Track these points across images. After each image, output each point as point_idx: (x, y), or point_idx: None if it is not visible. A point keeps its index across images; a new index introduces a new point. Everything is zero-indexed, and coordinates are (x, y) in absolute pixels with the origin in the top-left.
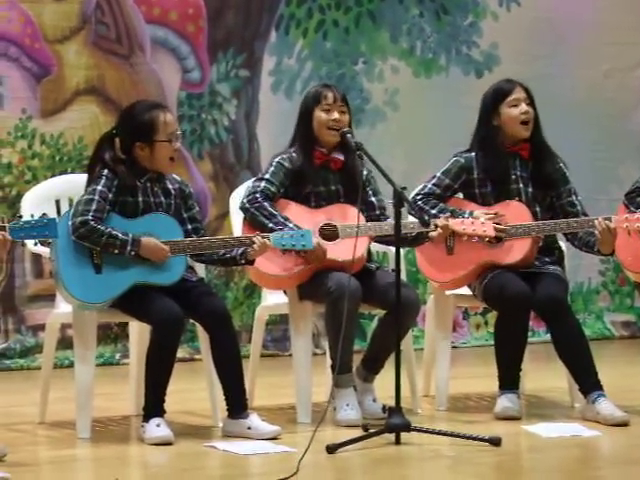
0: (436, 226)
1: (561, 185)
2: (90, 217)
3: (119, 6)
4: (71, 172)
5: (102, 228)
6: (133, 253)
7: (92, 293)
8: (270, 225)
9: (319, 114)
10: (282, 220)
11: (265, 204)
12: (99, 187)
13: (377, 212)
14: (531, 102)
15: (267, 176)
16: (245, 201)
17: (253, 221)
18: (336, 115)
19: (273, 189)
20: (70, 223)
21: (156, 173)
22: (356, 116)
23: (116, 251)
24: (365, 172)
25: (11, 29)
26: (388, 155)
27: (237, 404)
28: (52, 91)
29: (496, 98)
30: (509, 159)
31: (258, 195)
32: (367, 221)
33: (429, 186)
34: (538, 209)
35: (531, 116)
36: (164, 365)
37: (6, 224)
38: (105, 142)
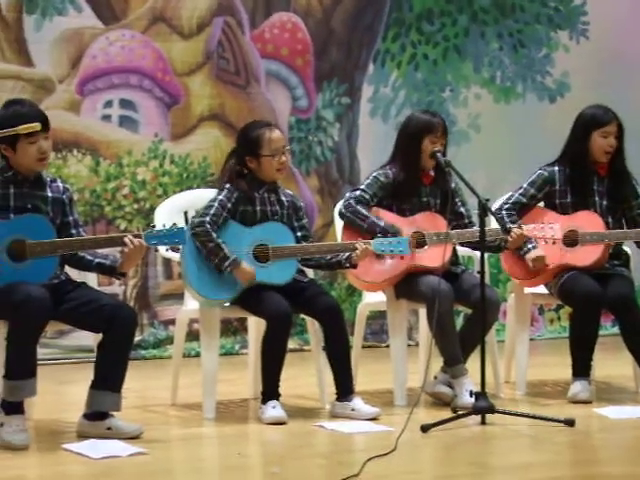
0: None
1: (632, 199)
2: (207, 219)
3: (238, 43)
4: (197, 187)
5: (214, 236)
6: (229, 270)
7: (216, 292)
8: (365, 226)
9: (427, 144)
10: (375, 220)
11: (358, 207)
12: (220, 197)
13: (465, 221)
14: (620, 135)
15: (362, 186)
16: (341, 207)
17: (350, 224)
18: (439, 147)
19: (366, 197)
20: (190, 222)
21: (272, 185)
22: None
23: (216, 261)
24: (453, 185)
25: (145, 64)
26: (471, 172)
27: (345, 388)
28: (180, 117)
29: (591, 124)
30: (591, 175)
31: (352, 201)
32: (456, 229)
33: (516, 195)
34: (610, 220)
35: (614, 148)
36: (277, 354)
37: (142, 232)
38: (229, 158)
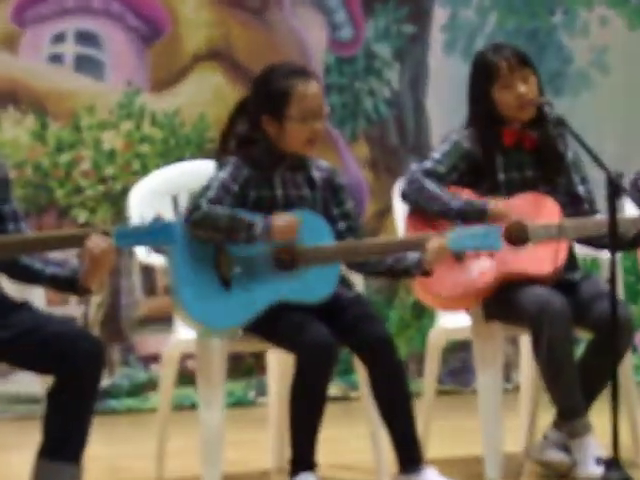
0: None
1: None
2: (204, 203)
3: None
4: (191, 159)
5: (220, 210)
6: (265, 238)
7: (220, 314)
8: (434, 208)
9: (499, 94)
10: (447, 200)
11: (426, 183)
12: (221, 174)
13: (585, 206)
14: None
15: (436, 155)
16: (404, 185)
17: (415, 206)
18: (521, 88)
19: (441, 170)
20: (184, 210)
21: (298, 158)
22: (554, 83)
23: (242, 236)
24: (570, 154)
25: None
26: (595, 132)
27: (408, 455)
28: (165, 57)
29: None
30: None
31: (419, 175)
32: (572, 217)
33: None
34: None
35: None
36: (313, 405)
37: (111, 228)
38: (236, 117)
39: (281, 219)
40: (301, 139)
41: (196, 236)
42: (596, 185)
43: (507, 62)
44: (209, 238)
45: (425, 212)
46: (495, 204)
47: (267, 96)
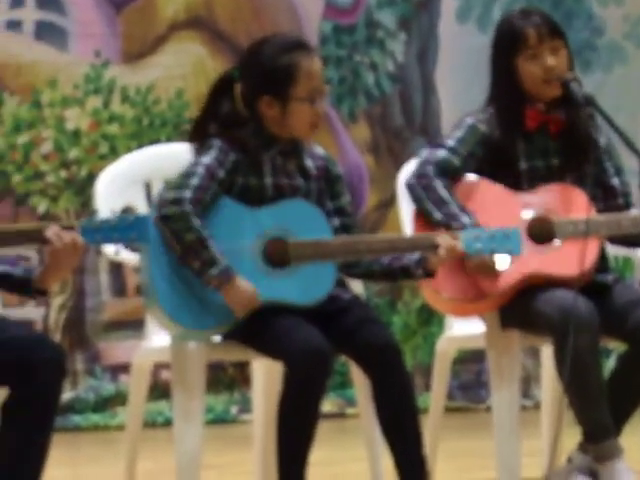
0: None
1: None
2: (188, 195)
3: None
4: (167, 142)
5: (197, 224)
6: (214, 284)
7: (199, 315)
8: (436, 216)
9: (524, 65)
10: (456, 211)
11: (437, 182)
12: (205, 159)
13: (619, 200)
14: None
15: (450, 142)
16: (412, 175)
17: (416, 205)
18: (549, 60)
19: (456, 161)
20: (157, 198)
21: (291, 143)
22: (582, 56)
23: (195, 265)
24: (603, 139)
25: None
26: (629, 114)
27: (415, 479)
28: (138, 24)
29: None
30: None
31: (430, 168)
32: (603, 212)
33: None
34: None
35: None
36: (304, 423)
37: (75, 221)
38: (221, 88)
39: (243, 284)
40: (306, 122)
41: (159, 230)
42: (629, 174)
43: (536, 30)
44: (168, 241)
45: (421, 209)
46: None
47: (267, 74)
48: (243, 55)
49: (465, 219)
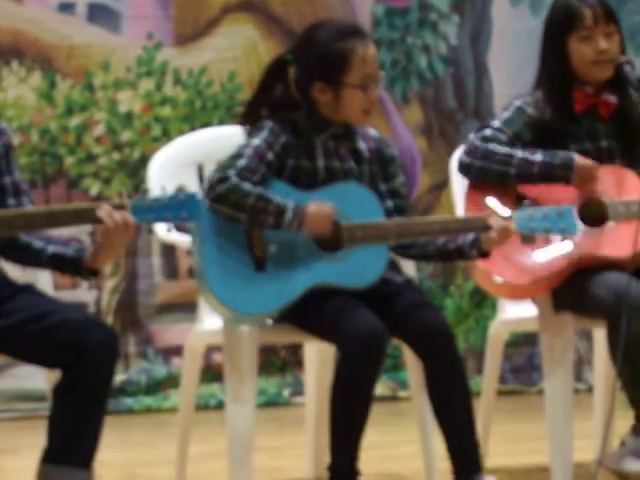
0: None
1: None
2: (233, 172)
3: None
4: (219, 124)
5: (248, 187)
6: (296, 226)
7: (252, 299)
8: (511, 171)
9: (576, 46)
10: (527, 154)
11: (490, 147)
12: (255, 141)
13: None
14: None
15: (496, 123)
16: (463, 155)
17: (483, 180)
18: (602, 44)
19: (503, 137)
20: (206, 183)
21: (343, 126)
22: (635, 39)
23: (270, 221)
24: None
25: None
26: None
27: (466, 463)
28: (190, 7)
29: None
30: None
31: (478, 143)
32: None
33: None
34: None
35: None
36: (357, 405)
37: (127, 201)
38: (275, 72)
39: (317, 208)
40: (359, 109)
41: (218, 213)
42: None
43: (592, 11)
44: (232, 217)
45: (493, 185)
46: (582, 158)
47: (321, 60)
48: (297, 39)
49: (538, 156)
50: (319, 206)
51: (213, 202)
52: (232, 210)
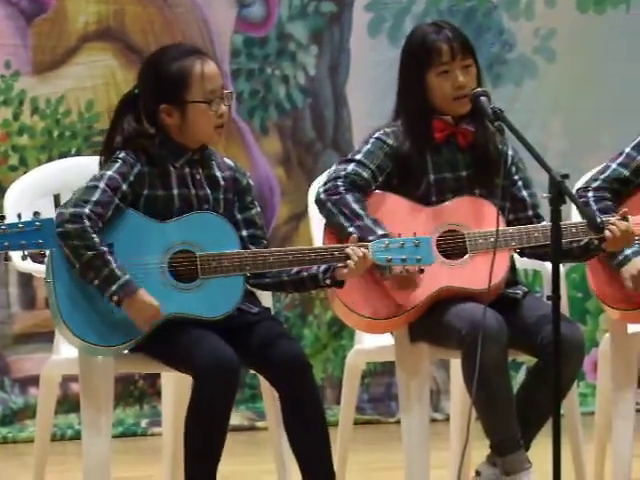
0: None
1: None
2: (87, 211)
3: None
4: (76, 154)
5: (95, 239)
6: (115, 299)
7: (107, 331)
8: (350, 229)
9: (435, 81)
10: (370, 224)
11: (347, 197)
12: (109, 172)
13: (529, 212)
14: None
15: (358, 156)
16: (322, 190)
17: (328, 220)
18: (460, 78)
19: (365, 175)
20: (56, 213)
21: (198, 153)
22: (492, 70)
23: (95, 282)
24: (510, 152)
25: None
26: (540, 127)
27: None
28: (49, 36)
29: None
30: None
31: (340, 182)
32: (513, 224)
33: (613, 167)
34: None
35: None
36: (212, 434)
37: None
38: (126, 107)
39: (146, 299)
40: (208, 126)
41: (60, 244)
42: (537, 187)
43: (449, 45)
44: (68, 257)
45: (333, 224)
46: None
47: (161, 82)
48: (142, 66)
49: (379, 231)
50: (149, 300)
51: (59, 236)
52: (70, 253)
